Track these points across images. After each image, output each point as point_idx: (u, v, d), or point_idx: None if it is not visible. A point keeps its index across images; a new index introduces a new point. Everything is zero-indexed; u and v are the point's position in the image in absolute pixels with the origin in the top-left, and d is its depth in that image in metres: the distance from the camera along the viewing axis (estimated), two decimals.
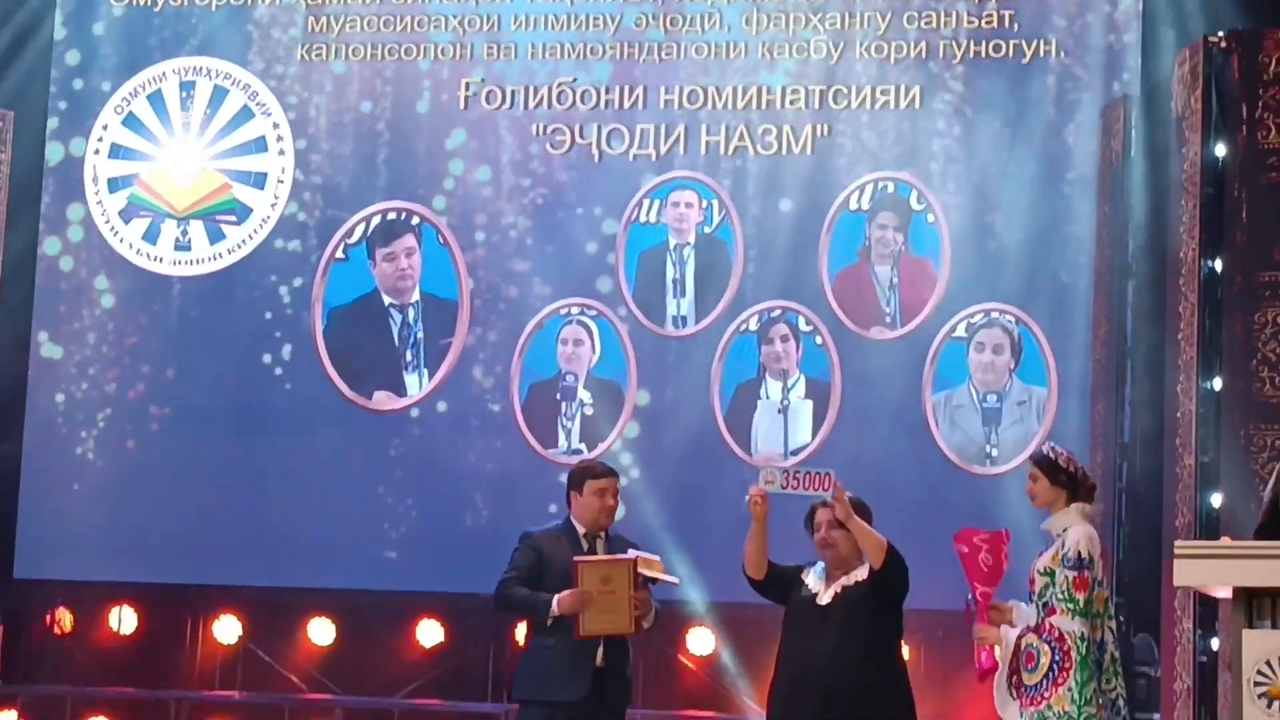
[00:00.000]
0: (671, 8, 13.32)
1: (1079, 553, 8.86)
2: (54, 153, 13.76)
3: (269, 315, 13.50)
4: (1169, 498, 11.57)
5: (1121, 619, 11.77)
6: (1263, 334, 11.35)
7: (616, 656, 9.57)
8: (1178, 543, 8.10)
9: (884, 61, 13.07)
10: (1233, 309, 11.39)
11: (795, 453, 12.87)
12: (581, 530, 9.54)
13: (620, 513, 9.73)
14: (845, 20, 13.12)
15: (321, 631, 13.41)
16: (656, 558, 9.54)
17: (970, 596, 9.16)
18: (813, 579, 9.26)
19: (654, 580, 9.39)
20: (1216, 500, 11.16)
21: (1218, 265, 11.41)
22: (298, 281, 13.50)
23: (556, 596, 9.24)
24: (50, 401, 13.55)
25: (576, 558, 9.30)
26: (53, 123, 13.79)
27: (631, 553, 9.37)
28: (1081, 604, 8.83)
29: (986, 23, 12.95)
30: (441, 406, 13.31)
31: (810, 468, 9.26)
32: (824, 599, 9.15)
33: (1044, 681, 8.82)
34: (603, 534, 9.57)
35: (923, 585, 10.52)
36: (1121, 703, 9.00)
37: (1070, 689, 8.79)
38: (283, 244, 13.55)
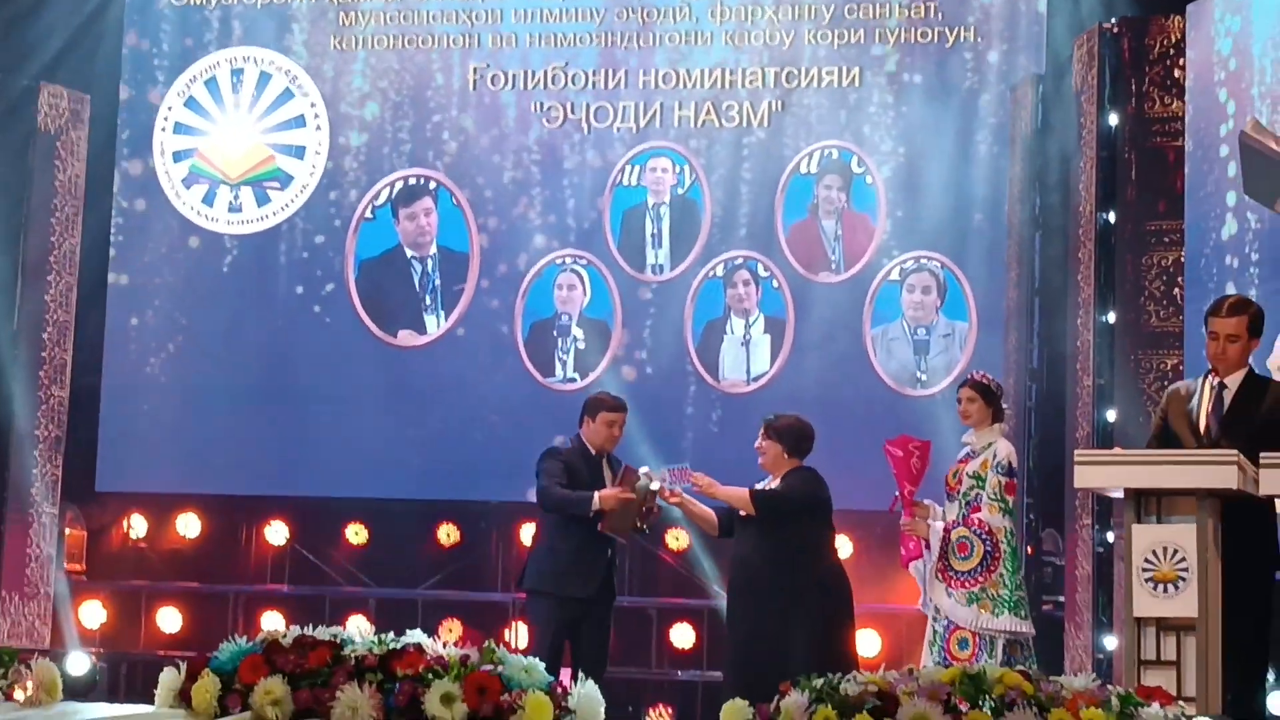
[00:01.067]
0: (648, 2, 13.32)
1: (1009, 462, 9.01)
2: (125, 130, 13.77)
3: (309, 266, 13.51)
4: (1071, 414, 11.65)
5: (1032, 517, 11.91)
6: (1149, 274, 11.44)
7: (613, 560, 9.72)
8: (1078, 452, 8.22)
9: (829, 46, 13.07)
10: (1124, 253, 11.47)
11: (756, 378, 12.91)
12: (592, 451, 9.66)
13: None
14: (795, 11, 13.10)
15: (356, 534, 13.46)
16: (650, 470, 9.64)
17: (898, 494, 9.28)
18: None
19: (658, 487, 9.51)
20: (1111, 416, 11.25)
21: (1111, 217, 11.49)
22: (333, 238, 13.51)
23: (598, 493, 9.37)
24: (124, 340, 13.53)
25: (631, 468, 9.49)
26: (124, 105, 13.76)
27: (656, 474, 9.49)
28: (1010, 505, 8.97)
29: (915, 13, 12.93)
30: (456, 342, 13.32)
31: (674, 466, 9.48)
32: (743, 510, 9.30)
33: (978, 568, 8.94)
34: (607, 455, 9.71)
35: (862, 488, 10.67)
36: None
37: (1002, 575, 8.91)
38: (320, 206, 13.55)
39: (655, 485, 9.42)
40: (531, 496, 9.97)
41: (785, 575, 9.06)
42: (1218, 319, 8.03)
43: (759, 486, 9.32)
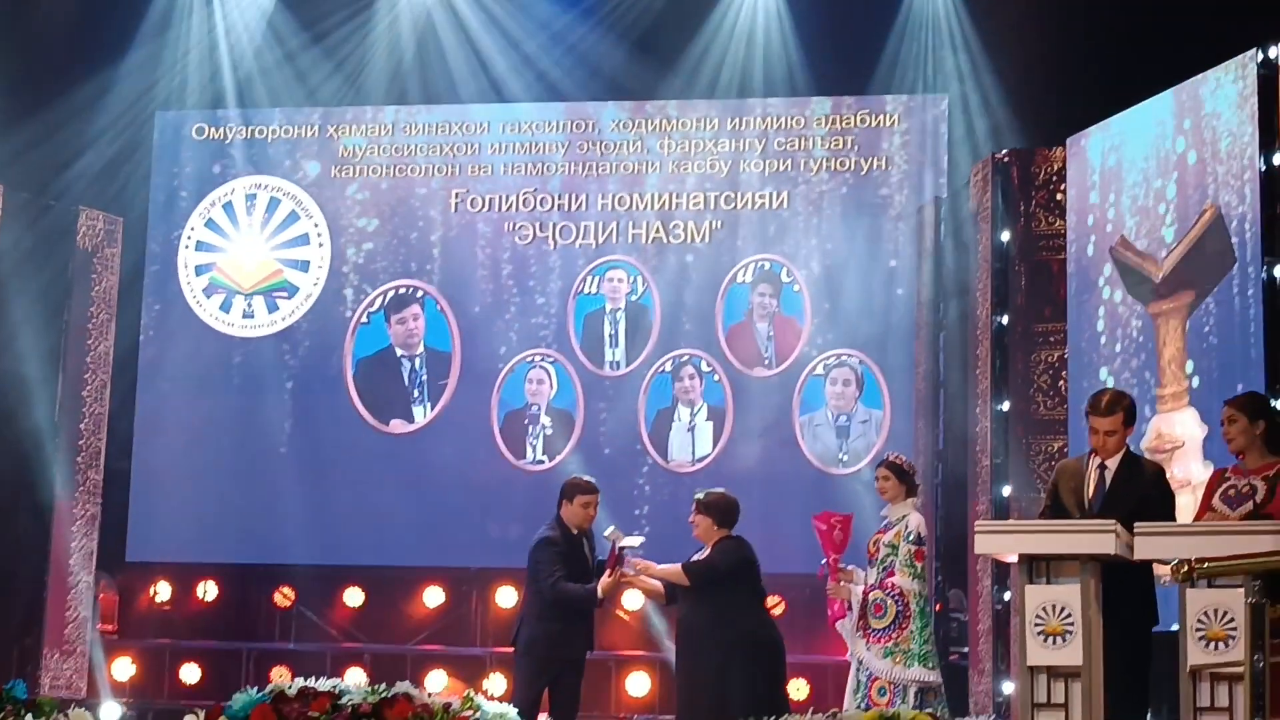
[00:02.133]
0: (605, 136, 13.38)
1: (919, 532, 9.02)
2: (152, 247, 13.76)
3: (313, 364, 13.49)
4: (971, 490, 11.65)
5: (940, 578, 11.90)
6: (1037, 369, 11.46)
7: (593, 619, 9.69)
8: (978, 523, 8.26)
9: (761, 174, 13.16)
10: (1015, 351, 11.49)
11: (700, 459, 12.92)
12: (573, 531, 9.59)
13: None
14: (732, 144, 13.20)
15: (354, 596, 13.39)
16: (617, 530, 9.63)
17: (825, 561, 9.29)
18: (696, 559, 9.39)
19: (629, 547, 9.48)
20: (1006, 491, 11.23)
21: (1004, 320, 11.50)
22: (333, 340, 13.49)
23: (599, 588, 9.27)
24: (151, 429, 13.50)
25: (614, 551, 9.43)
26: (153, 226, 13.77)
27: (616, 540, 9.45)
28: (919, 570, 8.97)
29: (836, 146, 13.05)
30: (441, 429, 13.31)
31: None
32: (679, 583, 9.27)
33: (891, 626, 8.93)
34: (586, 532, 9.66)
35: (792, 555, 10.67)
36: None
37: (913, 631, 8.89)
38: (322, 312, 13.55)
39: (623, 542, 9.43)
40: (504, 563, 9.94)
41: (719, 633, 8.99)
42: (1096, 417, 8.07)
43: (695, 557, 9.27)
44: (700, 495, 9.40)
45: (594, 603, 9.35)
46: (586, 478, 9.96)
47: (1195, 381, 10.03)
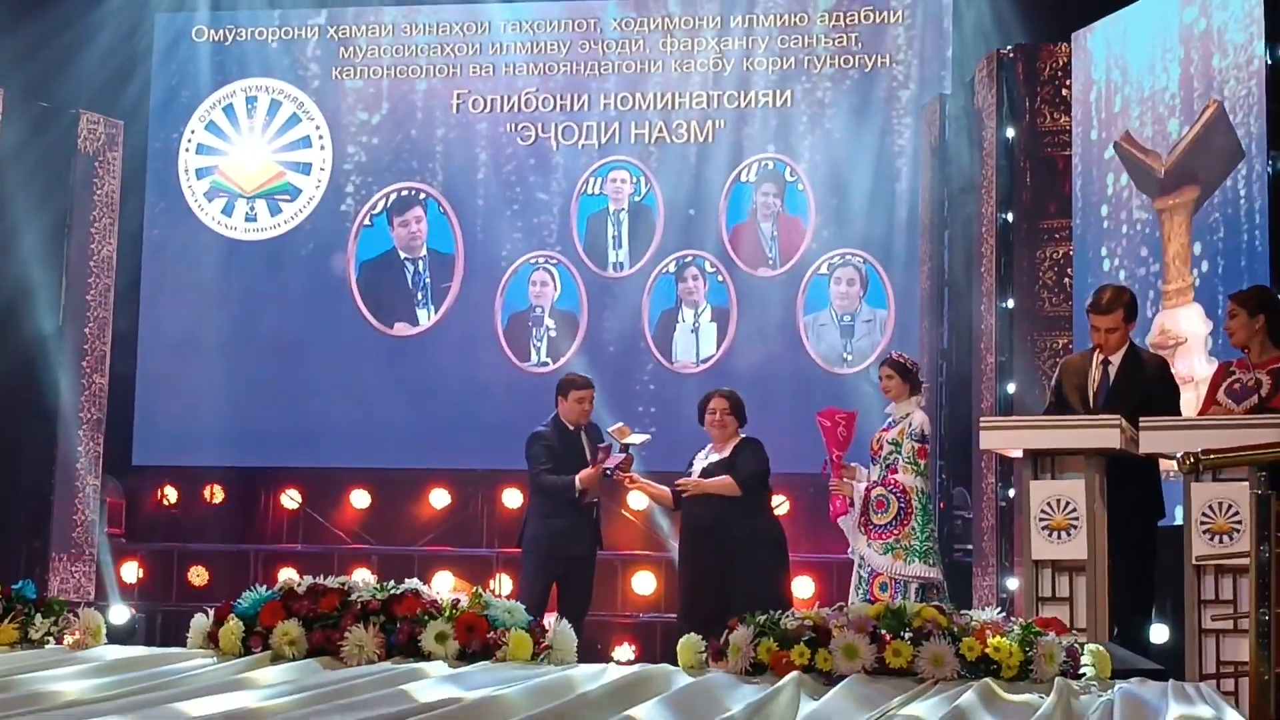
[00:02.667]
0: (607, 35, 13.30)
1: (923, 430, 9.05)
2: (154, 150, 13.72)
3: (316, 267, 13.48)
4: (976, 388, 11.66)
5: (944, 477, 11.93)
6: (1042, 266, 11.45)
7: (598, 517, 9.77)
8: (982, 419, 8.28)
9: (765, 72, 13.07)
10: (1020, 248, 11.48)
11: (704, 360, 12.92)
12: (569, 427, 9.69)
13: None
14: (736, 42, 13.12)
15: (360, 498, 13.43)
16: (624, 425, 9.74)
17: (828, 459, 9.33)
18: (701, 455, 9.47)
19: (633, 444, 9.60)
20: (1011, 388, 11.25)
21: (1009, 217, 11.48)
22: (336, 242, 13.46)
23: (578, 477, 9.41)
24: (155, 333, 13.49)
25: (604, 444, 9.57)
26: (154, 130, 13.72)
27: (620, 437, 9.56)
28: (923, 467, 9.01)
29: (839, 44, 12.95)
30: (445, 332, 13.29)
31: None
32: (696, 471, 9.34)
33: (892, 522, 8.98)
34: (584, 426, 9.74)
35: (797, 455, 10.70)
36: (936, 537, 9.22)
37: (914, 528, 8.94)
38: (325, 215, 13.51)
39: (628, 439, 9.54)
40: (510, 464, 10.01)
41: (731, 533, 9.10)
42: (1097, 315, 8.11)
43: (701, 458, 9.36)
44: (725, 391, 9.48)
45: (572, 492, 9.47)
46: (581, 374, 10.05)
47: (1200, 277, 10.02)
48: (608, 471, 9.59)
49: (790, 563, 9.48)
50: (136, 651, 5.89)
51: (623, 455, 9.59)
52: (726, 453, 9.34)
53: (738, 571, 9.02)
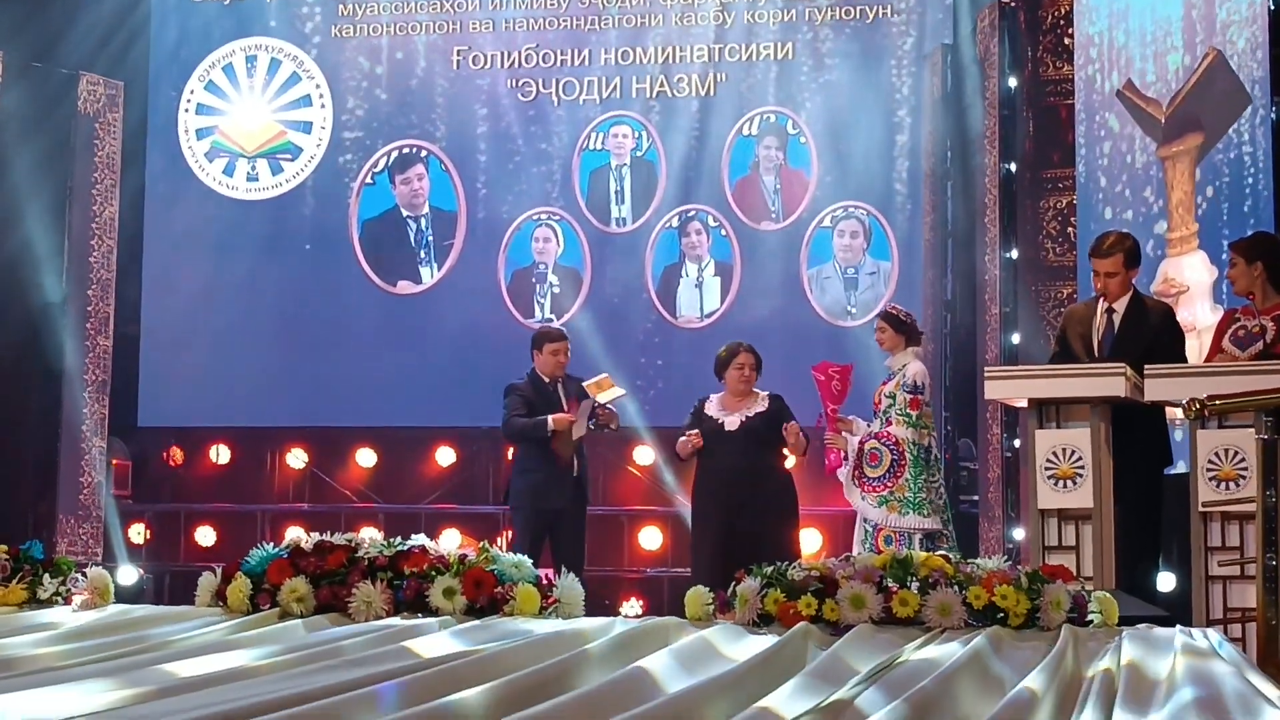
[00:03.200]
0: None
1: (915, 381, 9.04)
2: (154, 111, 13.68)
3: (319, 226, 13.45)
4: (981, 338, 11.66)
5: (949, 428, 11.94)
6: (1046, 216, 11.45)
7: (583, 472, 9.78)
8: (987, 369, 8.28)
9: (765, 25, 13.03)
10: (1023, 199, 11.47)
11: (709, 314, 12.91)
12: (546, 379, 9.75)
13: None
14: None
15: (367, 457, 13.44)
16: (605, 377, 9.77)
17: (823, 412, 9.35)
18: (714, 408, 9.45)
19: (612, 399, 9.64)
20: (1015, 339, 11.25)
21: (1012, 167, 11.46)
22: (339, 201, 13.45)
23: (551, 417, 9.48)
24: (159, 294, 13.48)
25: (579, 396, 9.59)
26: (154, 90, 13.68)
27: (595, 391, 9.60)
28: (915, 418, 9.01)
29: None
30: (448, 290, 13.28)
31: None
32: (730, 425, 9.33)
33: (885, 475, 8.99)
34: (560, 379, 9.78)
35: (802, 408, 10.68)
36: (942, 489, 9.20)
37: (907, 480, 8.94)
38: (326, 174, 13.48)
39: (602, 398, 9.55)
40: None
41: (755, 486, 9.15)
42: (1097, 259, 8.11)
43: (733, 413, 9.37)
44: (749, 345, 9.51)
45: (543, 430, 9.53)
46: (555, 326, 10.10)
47: (1204, 224, 10.00)
48: (593, 425, 9.65)
49: (799, 516, 9.54)
50: (146, 610, 5.89)
51: (603, 410, 9.65)
52: (763, 406, 9.38)
53: (760, 525, 9.06)
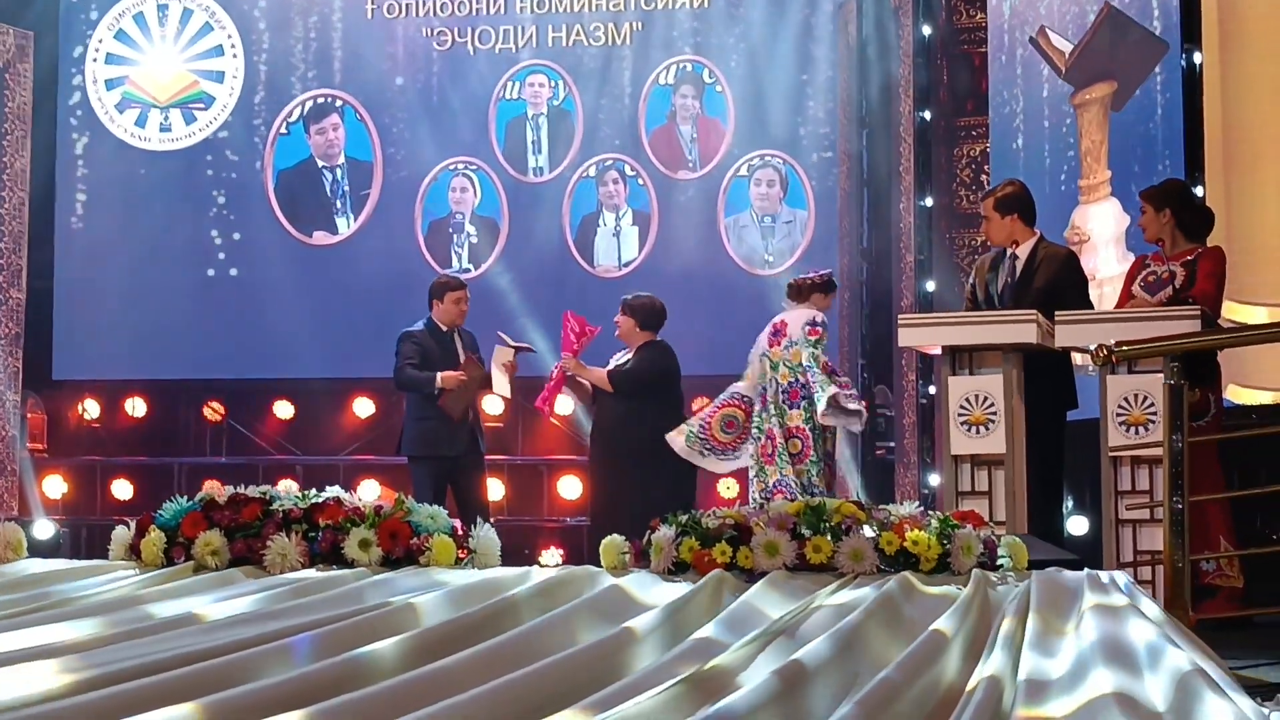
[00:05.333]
0: None
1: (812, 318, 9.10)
2: (65, 61, 13.52)
3: (233, 176, 13.35)
4: (896, 286, 11.76)
5: (865, 375, 12.02)
6: (959, 164, 11.53)
7: (476, 421, 9.77)
8: (901, 316, 8.32)
9: None
10: (938, 146, 11.56)
11: (627, 264, 12.92)
12: (444, 328, 9.74)
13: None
14: None
15: (284, 409, 13.40)
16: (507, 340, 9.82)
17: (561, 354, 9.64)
18: (614, 359, 9.58)
19: (517, 351, 9.68)
20: (930, 286, 11.35)
21: (927, 115, 11.55)
22: (252, 151, 13.35)
23: (440, 374, 9.48)
24: (72, 246, 13.34)
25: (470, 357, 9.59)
26: (63, 40, 13.50)
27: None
28: (815, 342, 9.09)
29: None
30: (365, 240, 13.23)
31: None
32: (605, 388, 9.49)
33: (795, 456, 9.08)
34: (457, 329, 9.78)
35: (720, 357, 10.74)
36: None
37: (808, 466, 9.03)
38: (240, 124, 13.37)
39: (508, 357, 9.60)
40: None
41: (629, 434, 9.20)
42: (982, 204, 8.29)
43: (615, 360, 9.43)
44: (628, 297, 9.56)
45: (431, 387, 9.56)
46: (454, 275, 10.09)
47: (1117, 172, 10.08)
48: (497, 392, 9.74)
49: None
50: (58, 565, 5.85)
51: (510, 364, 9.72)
52: (629, 354, 9.44)
53: (648, 479, 9.12)
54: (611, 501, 9.22)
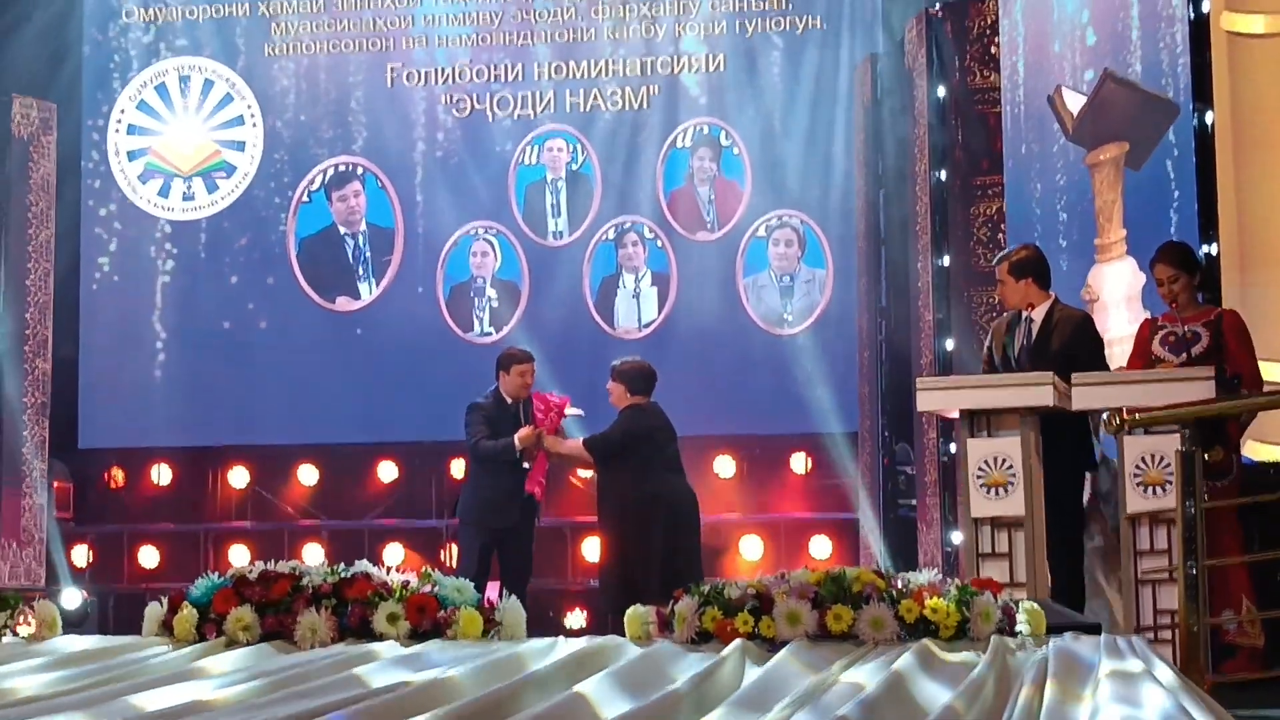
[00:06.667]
0: (539, 5, 13.38)
1: None
2: (88, 133, 13.71)
3: (255, 244, 13.52)
4: (915, 344, 11.82)
5: (886, 433, 12.09)
6: (976, 223, 11.62)
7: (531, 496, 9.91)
8: (918, 380, 8.38)
9: (696, 37, 13.19)
10: (954, 205, 11.63)
11: (647, 325, 13.03)
12: (509, 400, 9.85)
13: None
14: (666, 7, 13.23)
15: (308, 474, 13.50)
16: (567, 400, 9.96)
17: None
18: None
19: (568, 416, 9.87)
20: (949, 344, 11.40)
21: (943, 175, 11.63)
22: (275, 219, 13.51)
23: (516, 436, 9.60)
24: (97, 316, 13.52)
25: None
26: (87, 112, 13.70)
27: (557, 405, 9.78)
28: None
29: (769, 6, 13.07)
30: (387, 305, 13.36)
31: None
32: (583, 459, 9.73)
33: None
34: (522, 401, 9.90)
35: (741, 416, 10.86)
36: None
37: None
38: (262, 192, 13.54)
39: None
40: (456, 436, 10.15)
41: (618, 497, 9.31)
42: (996, 269, 8.40)
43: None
44: (616, 363, 9.66)
45: (512, 453, 9.66)
46: (521, 348, 10.20)
47: (1133, 231, 10.18)
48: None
49: (698, 525, 9.57)
50: (93, 642, 5.98)
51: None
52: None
53: (631, 533, 9.24)
54: (608, 564, 9.34)
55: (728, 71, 13.11)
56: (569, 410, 9.91)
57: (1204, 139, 9.50)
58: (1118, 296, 10.13)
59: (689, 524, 9.44)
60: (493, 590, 9.03)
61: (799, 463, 12.70)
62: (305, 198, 13.48)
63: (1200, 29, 9.60)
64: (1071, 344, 8.11)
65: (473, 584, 6.16)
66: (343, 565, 6.09)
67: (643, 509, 9.23)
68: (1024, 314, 8.30)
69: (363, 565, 6.07)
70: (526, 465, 9.76)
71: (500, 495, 9.73)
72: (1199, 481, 5.59)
